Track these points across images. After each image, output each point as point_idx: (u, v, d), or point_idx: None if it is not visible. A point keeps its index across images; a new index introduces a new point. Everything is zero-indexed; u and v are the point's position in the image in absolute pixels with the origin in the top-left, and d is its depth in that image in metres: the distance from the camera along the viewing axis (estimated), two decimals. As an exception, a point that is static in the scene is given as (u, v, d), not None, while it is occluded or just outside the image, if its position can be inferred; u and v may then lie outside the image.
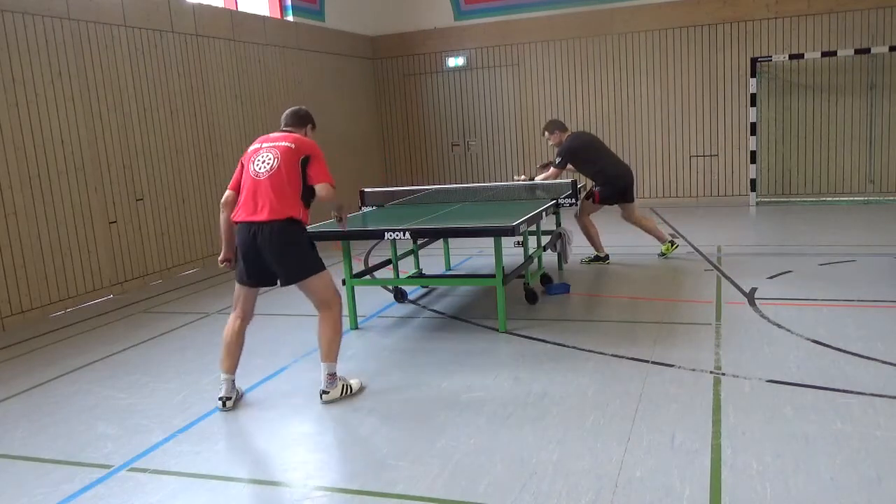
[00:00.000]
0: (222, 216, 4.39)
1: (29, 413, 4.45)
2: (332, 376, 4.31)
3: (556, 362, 4.70)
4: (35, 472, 3.63)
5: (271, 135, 4.41)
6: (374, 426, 3.92)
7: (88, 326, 6.51)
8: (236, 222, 4.24)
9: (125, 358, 5.47)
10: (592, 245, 7.71)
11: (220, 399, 4.29)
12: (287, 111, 4.57)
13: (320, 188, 4.21)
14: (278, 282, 4.31)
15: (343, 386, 4.35)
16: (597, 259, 7.68)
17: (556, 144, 7.55)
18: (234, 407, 4.32)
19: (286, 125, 4.49)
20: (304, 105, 4.89)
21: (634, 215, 7.79)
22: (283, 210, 4.13)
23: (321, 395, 4.29)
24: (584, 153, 7.54)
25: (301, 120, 4.52)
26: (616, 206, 7.72)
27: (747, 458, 3.25)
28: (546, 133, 7.66)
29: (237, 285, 4.38)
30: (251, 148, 4.37)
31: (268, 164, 4.18)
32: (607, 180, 7.51)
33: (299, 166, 4.21)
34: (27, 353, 5.77)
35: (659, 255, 7.71)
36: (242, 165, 4.35)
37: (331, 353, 4.29)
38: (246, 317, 4.40)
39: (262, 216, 4.11)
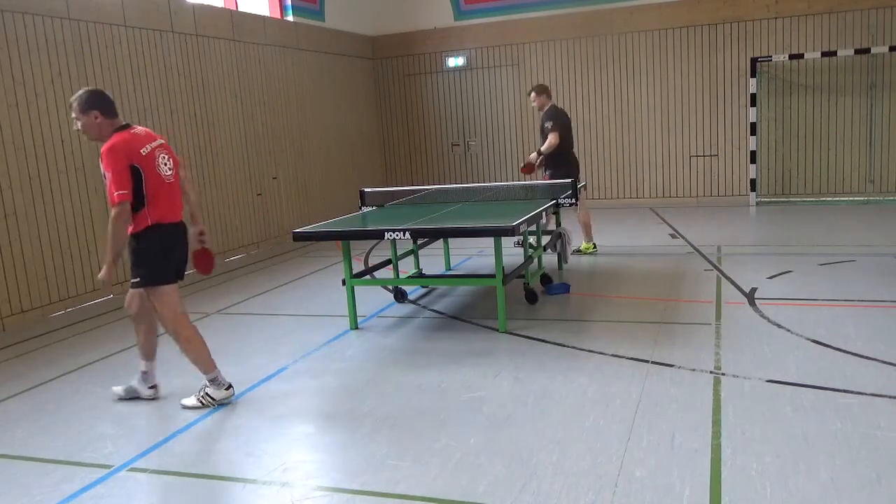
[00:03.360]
0: (123, 229, 4.04)
1: (29, 413, 4.45)
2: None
3: (556, 362, 4.70)
4: (35, 472, 3.63)
5: (137, 132, 4.18)
6: (373, 426, 3.92)
7: (88, 326, 6.51)
8: (165, 223, 4.18)
9: (125, 358, 5.46)
10: (588, 235, 8.11)
11: (229, 387, 4.41)
12: (107, 98, 4.19)
13: None
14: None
15: None
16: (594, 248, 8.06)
17: (541, 107, 7.83)
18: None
19: (117, 116, 4.23)
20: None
21: None
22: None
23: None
24: (569, 130, 7.90)
25: None
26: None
27: (747, 458, 3.25)
28: (534, 94, 7.86)
29: (169, 287, 4.25)
30: (143, 150, 4.09)
31: (168, 166, 4.26)
32: (574, 167, 7.88)
33: None
34: (27, 353, 5.77)
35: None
36: (136, 170, 4.03)
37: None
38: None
39: (180, 216, 4.35)
